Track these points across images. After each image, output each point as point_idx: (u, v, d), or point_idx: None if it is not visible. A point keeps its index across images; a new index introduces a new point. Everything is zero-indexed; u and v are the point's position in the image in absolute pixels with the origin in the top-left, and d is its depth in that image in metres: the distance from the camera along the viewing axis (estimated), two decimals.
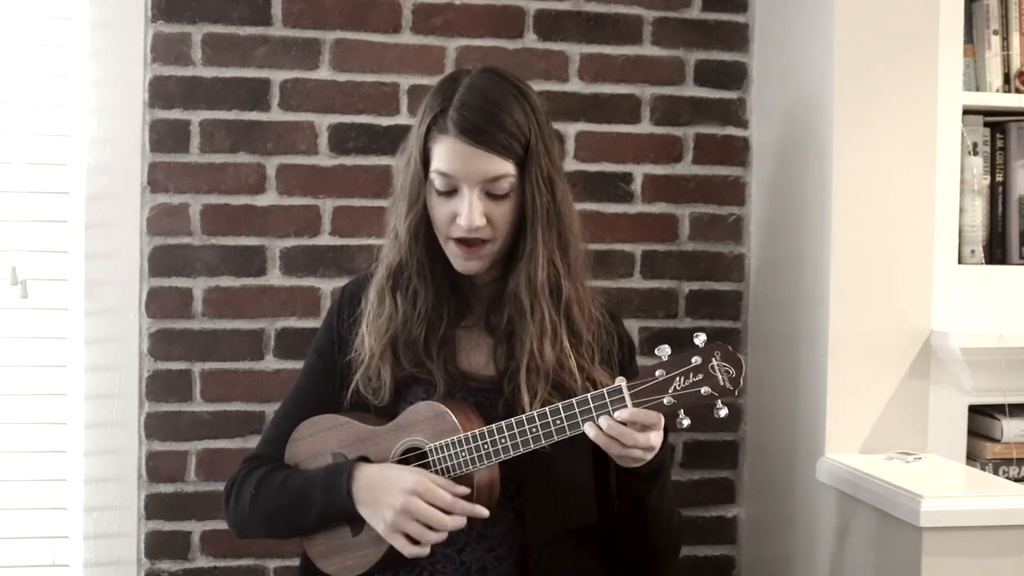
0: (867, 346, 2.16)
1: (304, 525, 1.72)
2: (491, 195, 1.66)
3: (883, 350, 2.17)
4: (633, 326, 2.48)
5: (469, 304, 1.77)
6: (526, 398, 1.66)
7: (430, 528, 1.59)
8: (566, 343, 1.70)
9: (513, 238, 1.70)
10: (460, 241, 1.68)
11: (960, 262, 2.25)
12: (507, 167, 1.65)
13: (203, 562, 2.37)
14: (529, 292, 1.68)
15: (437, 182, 1.67)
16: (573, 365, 1.69)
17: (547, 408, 1.59)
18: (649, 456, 1.60)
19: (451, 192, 1.67)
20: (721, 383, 1.55)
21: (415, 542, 1.61)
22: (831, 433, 2.16)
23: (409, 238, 1.71)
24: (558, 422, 1.58)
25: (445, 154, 1.66)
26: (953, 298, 2.21)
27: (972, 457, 2.24)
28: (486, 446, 1.61)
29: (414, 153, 1.70)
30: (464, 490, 1.61)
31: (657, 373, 1.56)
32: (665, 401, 1.55)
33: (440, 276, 1.73)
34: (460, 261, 1.70)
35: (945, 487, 1.95)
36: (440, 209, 1.68)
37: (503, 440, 1.61)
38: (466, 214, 1.65)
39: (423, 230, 1.71)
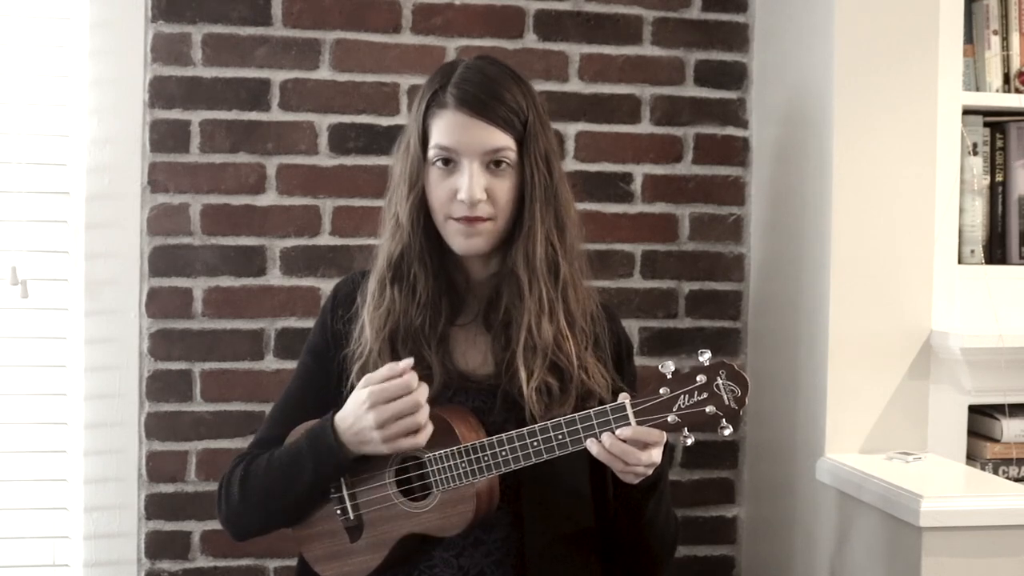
0: (867, 346, 2.16)
1: (298, 495, 1.68)
2: (491, 171, 1.66)
3: (883, 350, 2.17)
4: (633, 326, 2.48)
5: (465, 302, 1.76)
6: (523, 374, 1.65)
7: (412, 416, 1.57)
8: (563, 323, 1.69)
9: (512, 223, 1.69)
10: (460, 218, 1.66)
11: (960, 262, 2.25)
12: (507, 140, 1.65)
13: (203, 562, 2.37)
14: (527, 269, 1.67)
15: (437, 159, 1.66)
16: (570, 348, 1.68)
17: (548, 422, 1.58)
18: (650, 471, 1.59)
19: (451, 169, 1.66)
20: (726, 403, 1.53)
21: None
22: (831, 433, 2.16)
23: (410, 221, 1.69)
24: (560, 437, 1.57)
25: (445, 127, 1.65)
26: (953, 298, 2.21)
27: (972, 457, 2.24)
28: (486, 458, 1.60)
29: (412, 136, 1.70)
30: (407, 363, 1.59)
31: (661, 391, 1.54)
32: (669, 419, 1.54)
33: (437, 267, 1.72)
34: (461, 239, 1.68)
35: (945, 487, 1.95)
36: (439, 188, 1.67)
37: (503, 453, 1.59)
38: (467, 187, 1.63)
39: (422, 214, 1.69)
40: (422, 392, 1.59)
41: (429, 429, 1.59)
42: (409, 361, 1.60)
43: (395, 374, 1.59)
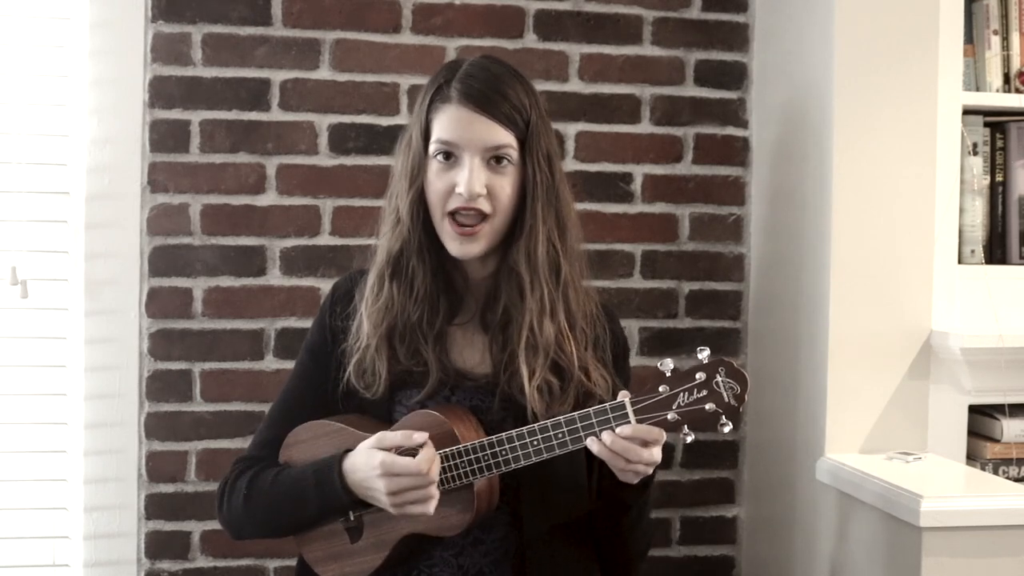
0: (867, 346, 2.16)
1: (302, 523, 1.70)
2: (492, 167, 1.65)
3: (883, 350, 2.17)
4: (633, 326, 2.48)
5: (463, 301, 1.76)
6: (524, 372, 1.64)
7: (423, 488, 1.56)
8: (564, 323, 1.69)
9: (511, 222, 1.69)
10: (456, 221, 1.66)
11: (960, 262, 2.25)
12: (509, 138, 1.65)
13: (203, 562, 2.37)
14: (529, 268, 1.67)
15: (438, 152, 1.66)
16: (571, 348, 1.68)
17: (548, 421, 1.58)
18: (650, 470, 1.59)
19: (451, 164, 1.65)
20: (726, 400, 1.53)
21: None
22: (831, 433, 2.16)
23: (410, 216, 1.69)
24: (560, 436, 1.57)
25: (447, 121, 1.65)
26: (953, 298, 2.21)
27: (972, 457, 2.24)
28: (485, 458, 1.60)
29: (415, 131, 1.70)
30: (420, 437, 1.57)
31: (661, 389, 1.54)
32: (669, 417, 1.54)
33: (436, 263, 1.72)
34: (456, 244, 1.67)
35: (945, 487, 1.95)
36: (438, 181, 1.66)
37: (503, 452, 1.59)
38: (466, 180, 1.63)
39: (422, 209, 1.69)
40: (435, 469, 1.57)
41: (437, 498, 1.58)
42: (423, 435, 1.58)
43: (410, 445, 1.57)
